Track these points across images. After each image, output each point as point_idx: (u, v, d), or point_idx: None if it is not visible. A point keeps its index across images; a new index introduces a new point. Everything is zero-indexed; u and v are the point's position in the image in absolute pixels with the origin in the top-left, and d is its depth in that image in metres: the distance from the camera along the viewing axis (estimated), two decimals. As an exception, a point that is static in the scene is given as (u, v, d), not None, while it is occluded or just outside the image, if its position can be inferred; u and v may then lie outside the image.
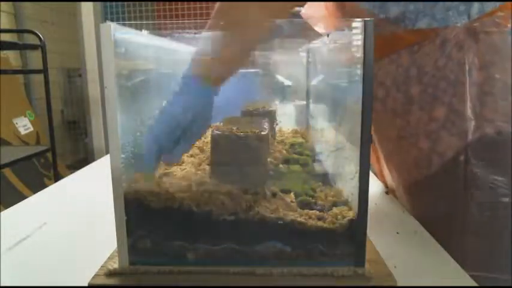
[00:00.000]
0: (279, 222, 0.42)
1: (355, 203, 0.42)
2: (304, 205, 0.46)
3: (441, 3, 0.56)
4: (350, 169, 0.44)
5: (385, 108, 0.62)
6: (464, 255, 0.52)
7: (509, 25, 0.55)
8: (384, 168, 0.73)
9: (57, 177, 1.81)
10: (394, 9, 0.58)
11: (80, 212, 0.66)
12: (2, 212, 0.65)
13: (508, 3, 0.56)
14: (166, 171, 0.52)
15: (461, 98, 0.56)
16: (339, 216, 0.43)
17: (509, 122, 0.54)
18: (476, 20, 0.56)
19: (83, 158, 2.97)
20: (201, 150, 0.61)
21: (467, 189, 0.56)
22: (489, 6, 0.55)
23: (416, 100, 0.60)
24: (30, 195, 0.74)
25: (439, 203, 0.60)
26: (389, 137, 0.65)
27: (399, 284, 0.41)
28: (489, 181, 0.55)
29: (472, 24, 0.56)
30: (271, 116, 0.66)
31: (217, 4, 0.51)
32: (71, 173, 0.93)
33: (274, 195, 0.46)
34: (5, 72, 1.99)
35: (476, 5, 0.56)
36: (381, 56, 0.63)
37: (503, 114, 0.54)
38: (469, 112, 0.56)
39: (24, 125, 2.24)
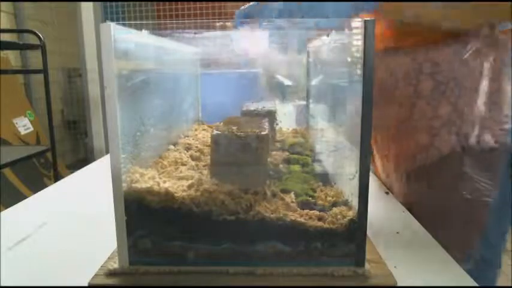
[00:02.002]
0: (279, 222, 0.42)
1: (355, 203, 0.42)
2: (304, 205, 0.46)
3: None
4: (350, 169, 0.44)
5: (392, 98, 0.65)
6: (448, 243, 0.54)
7: None
8: (376, 157, 0.77)
9: (57, 177, 1.82)
10: None
11: (80, 212, 0.66)
12: (2, 212, 0.65)
13: None
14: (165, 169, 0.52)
15: (468, 101, 0.59)
16: (339, 216, 0.43)
17: (507, 134, 0.58)
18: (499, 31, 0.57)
19: (83, 158, 2.97)
20: (202, 152, 0.61)
21: (457, 185, 0.61)
22: None
23: (424, 95, 0.62)
24: (30, 195, 0.74)
25: (430, 192, 0.64)
26: (390, 126, 0.68)
27: (399, 284, 0.41)
28: (477, 182, 0.60)
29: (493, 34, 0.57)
30: (271, 116, 0.66)
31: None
32: (71, 173, 0.93)
33: (274, 195, 0.46)
34: (5, 72, 1.99)
35: None
36: (398, 47, 0.64)
37: (504, 125, 0.58)
38: (473, 116, 0.59)
39: (24, 125, 2.24)
